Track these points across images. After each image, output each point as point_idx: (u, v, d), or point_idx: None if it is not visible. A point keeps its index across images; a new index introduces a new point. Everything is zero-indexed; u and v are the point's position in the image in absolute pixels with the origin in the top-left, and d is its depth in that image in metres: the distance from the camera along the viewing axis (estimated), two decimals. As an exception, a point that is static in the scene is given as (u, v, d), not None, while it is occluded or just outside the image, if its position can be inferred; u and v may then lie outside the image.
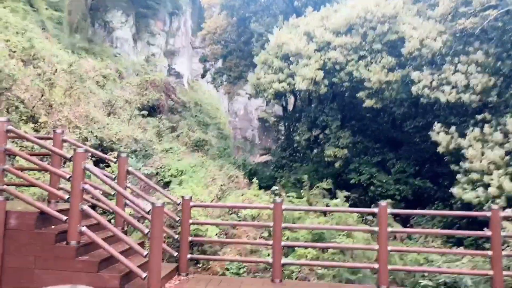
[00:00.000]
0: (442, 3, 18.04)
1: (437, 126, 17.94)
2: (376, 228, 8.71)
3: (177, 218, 9.87)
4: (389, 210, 8.85)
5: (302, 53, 20.80)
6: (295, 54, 21.18)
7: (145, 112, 24.82)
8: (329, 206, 14.00)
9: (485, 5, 16.31)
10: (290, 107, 30.20)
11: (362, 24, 19.92)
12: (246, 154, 40.33)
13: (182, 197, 9.54)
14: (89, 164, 8.19)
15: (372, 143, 23.45)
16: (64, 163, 11.64)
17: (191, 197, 9.75)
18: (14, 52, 17.46)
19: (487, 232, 8.39)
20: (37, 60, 18.44)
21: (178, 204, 10.17)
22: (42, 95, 15.76)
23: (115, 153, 14.71)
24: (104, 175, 8.46)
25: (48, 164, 9.25)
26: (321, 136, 22.65)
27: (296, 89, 20.77)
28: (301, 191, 18.71)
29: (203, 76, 35.65)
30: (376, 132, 24.20)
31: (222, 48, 32.47)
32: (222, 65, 34.12)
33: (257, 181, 18.39)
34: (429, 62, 19.09)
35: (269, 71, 22.27)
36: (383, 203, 8.75)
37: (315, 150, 25.84)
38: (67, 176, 7.73)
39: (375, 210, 8.80)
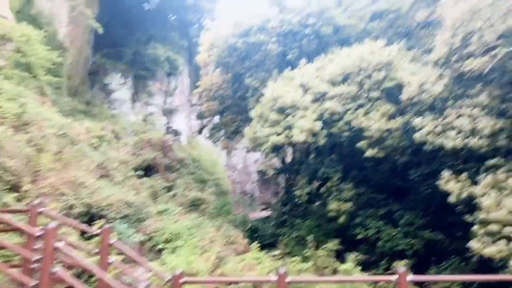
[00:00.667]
0: (439, 48, 17.21)
1: (445, 174, 16.43)
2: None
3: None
4: (410, 277, 7.18)
5: (298, 104, 19.75)
6: (291, 106, 20.13)
7: (140, 172, 23.43)
8: (338, 271, 12.20)
9: (484, 48, 15.43)
10: (289, 159, 28.85)
11: (358, 72, 19.03)
12: (246, 210, 38.45)
13: (172, 273, 7.86)
14: (61, 243, 6.73)
15: (376, 194, 21.81)
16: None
17: (182, 272, 8.15)
18: (5, 118, 16.45)
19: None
20: (28, 125, 17.38)
21: (168, 281, 8.53)
22: (29, 161, 14.47)
23: (103, 221, 13.20)
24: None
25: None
26: (322, 189, 21.18)
27: (294, 141, 19.51)
28: (305, 251, 16.92)
29: (200, 132, 34.65)
30: (379, 182, 22.62)
31: (218, 104, 31.67)
32: (219, 120, 33.21)
33: (259, 240, 16.66)
34: (430, 108, 17.95)
35: (265, 124, 21.13)
36: (401, 269, 7.08)
37: (316, 203, 24.16)
38: (36, 258, 6.28)
39: (393, 278, 7.12)
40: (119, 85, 43.07)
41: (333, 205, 20.34)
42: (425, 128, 17.03)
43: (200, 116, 33.27)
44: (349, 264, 12.38)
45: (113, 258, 9.01)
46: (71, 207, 14.22)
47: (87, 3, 36.89)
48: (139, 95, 45.02)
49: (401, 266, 15.46)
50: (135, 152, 27.95)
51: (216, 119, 34.12)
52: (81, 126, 27.06)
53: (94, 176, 19.87)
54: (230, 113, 31.39)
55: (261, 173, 47.26)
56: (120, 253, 10.95)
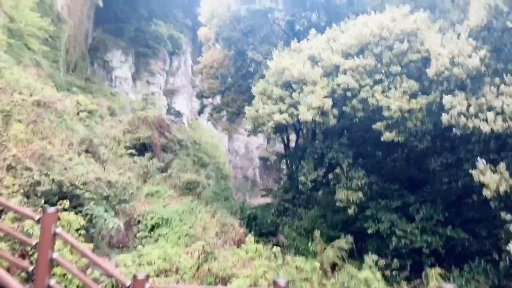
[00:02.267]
0: (475, 13, 13.74)
1: (480, 163, 13.09)
2: None
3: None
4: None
5: (306, 78, 16.34)
6: (298, 81, 16.73)
7: (134, 151, 20.37)
8: (352, 276, 9.06)
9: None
10: (292, 144, 25.57)
11: (377, 43, 15.53)
12: (246, 195, 35.36)
13: (134, 275, 4.59)
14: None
15: (389, 184, 18.48)
16: None
17: (147, 276, 5.18)
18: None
19: None
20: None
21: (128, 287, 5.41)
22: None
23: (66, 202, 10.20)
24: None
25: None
26: (330, 176, 17.91)
27: (301, 120, 16.16)
28: (310, 244, 13.76)
29: (200, 112, 31.33)
30: (393, 171, 19.29)
31: (219, 83, 28.32)
32: (220, 101, 29.88)
33: (257, 228, 13.66)
34: (461, 85, 14.59)
35: (268, 101, 17.77)
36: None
37: (320, 192, 20.92)
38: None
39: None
40: (120, 63, 39.91)
41: (341, 194, 17.08)
42: (456, 108, 13.64)
43: (200, 96, 29.90)
44: (368, 273, 9.16)
45: (56, 254, 6.07)
46: (37, 184, 11.11)
47: (87, -26, 33.51)
48: (140, 73, 41.81)
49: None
50: (130, 130, 24.80)
51: (217, 99, 30.83)
52: (71, 99, 23.87)
53: (74, 152, 16.54)
54: (232, 93, 28.05)
55: (263, 158, 44.18)
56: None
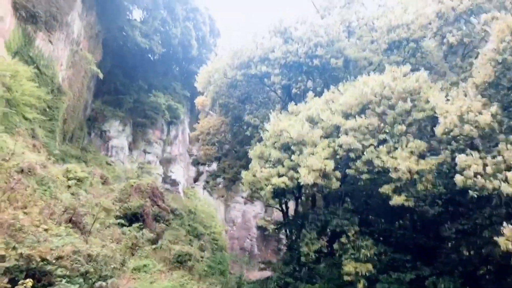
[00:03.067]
0: (482, 69, 12.86)
1: (508, 228, 11.31)
2: None
3: None
4: None
5: (305, 140, 15.04)
6: (297, 143, 15.41)
7: (122, 221, 18.50)
8: None
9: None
10: (291, 212, 23.64)
11: (379, 102, 14.49)
12: (243, 268, 32.47)
13: None
14: None
15: (400, 254, 16.40)
16: None
17: None
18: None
19: None
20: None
21: None
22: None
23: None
24: None
25: None
26: (335, 246, 15.82)
27: (302, 183, 14.55)
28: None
29: (196, 180, 29.76)
30: (402, 239, 17.25)
31: (216, 149, 27.08)
32: (216, 168, 28.43)
33: None
34: (471, 145, 13.30)
35: (266, 165, 16.33)
36: None
37: (325, 264, 18.61)
38: None
39: None
40: (118, 132, 39.06)
41: (349, 267, 14.93)
42: (471, 168, 12.19)
43: (197, 162, 28.50)
44: None
45: None
46: (1, 258, 9.15)
47: (89, 49, 33.76)
48: (138, 143, 40.82)
49: None
50: (121, 198, 22.98)
51: (214, 166, 29.40)
52: (60, 167, 22.44)
53: (54, 222, 14.57)
54: (229, 159, 26.68)
55: (261, 228, 41.62)
56: None
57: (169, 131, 42.61)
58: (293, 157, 15.34)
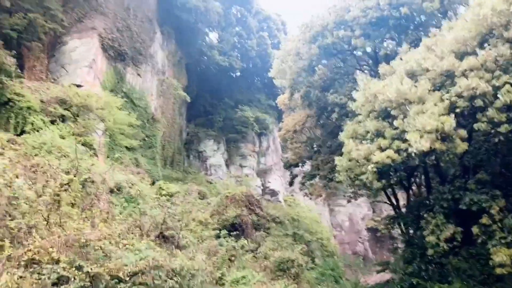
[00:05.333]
0: None
1: None
2: None
3: None
4: None
5: (408, 98, 11.10)
6: (398, 105, 11.50)
7: (220, 233, 16.47)
8: None
9: None
10: (402, 201, 19.05)
11: (507, 23, 9.97)
12: (358, 273, 28.00)
13: None
14: None
15: None
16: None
17: None
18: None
19: None
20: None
21: None
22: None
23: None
24: None
25: None
26: (474, 229, 11.13)
27: (414, 151, 10.50)
28: None
29: (290, 183, 26.71)
30: None
31: (305, 147, 23.86)
32: (310, 167, 25.12)
33: None
34: None
35: (363, 141, 12.64)
36: None
37: (460, 256, 13.71)
38: None
39: None
40: (213, 151, 38.54)
41: (499, 255, 10.27)
42: None
43: (288, 165, 25.52)
44: None
45: None
46: (66, 280, 7.36)
47: (175, 76, 33.85)
48: (233, 158, 39.80)
49: None
50: (218, 211, 21.12)
51: (308, 166, 26.10)
52: (154, 187, 21.62)
53: (141, 236, 12.74)
54: (321, 155, 23.17)
55: (372, 229, 36.60)
56: None
57: (261, 142, 40.96)
58: (395, 123, 11.41)
